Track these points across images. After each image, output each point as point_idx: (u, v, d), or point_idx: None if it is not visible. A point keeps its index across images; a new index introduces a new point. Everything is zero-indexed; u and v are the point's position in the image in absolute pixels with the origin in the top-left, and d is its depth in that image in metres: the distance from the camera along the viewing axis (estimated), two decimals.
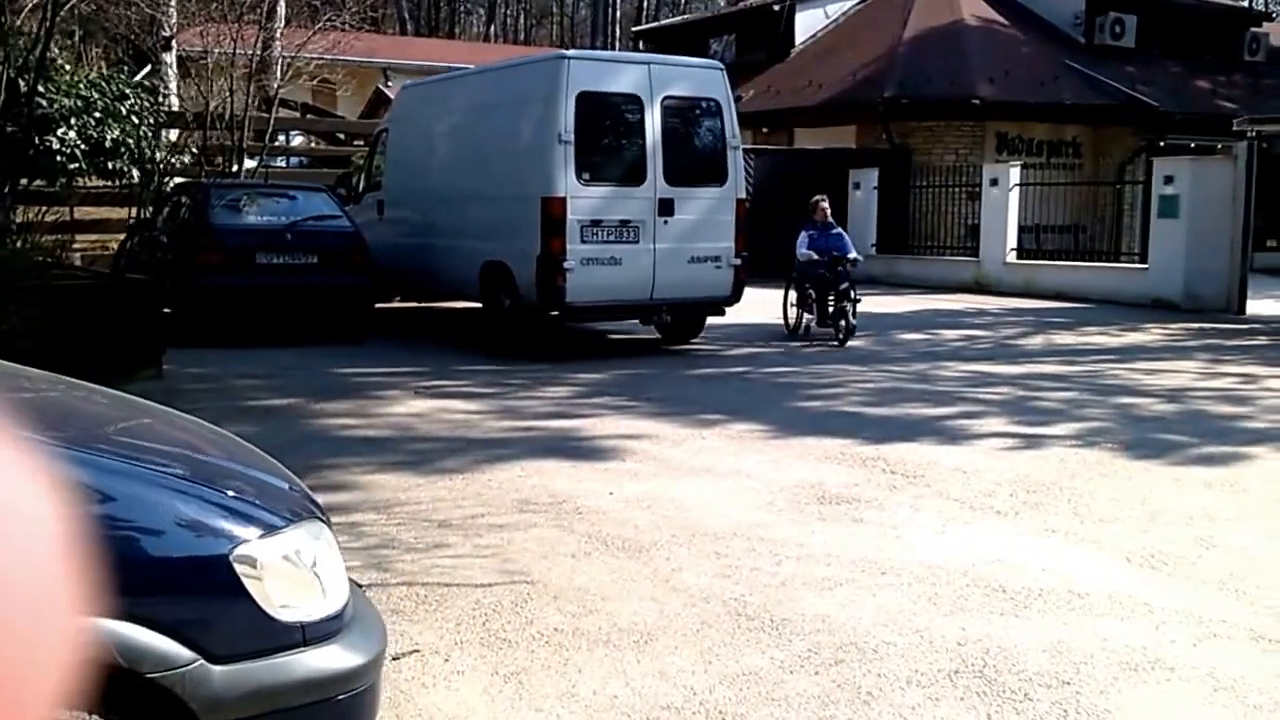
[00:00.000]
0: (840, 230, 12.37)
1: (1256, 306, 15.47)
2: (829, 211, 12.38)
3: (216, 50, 15.51)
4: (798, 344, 11.74)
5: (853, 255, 11.92)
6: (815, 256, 11.74)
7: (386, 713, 3.43)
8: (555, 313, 10.65)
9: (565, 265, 10.25)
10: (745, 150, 19.88)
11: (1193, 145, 17.91)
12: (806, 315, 12.01)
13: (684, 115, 11.19)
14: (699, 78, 11.22)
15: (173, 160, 14.30)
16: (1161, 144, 18.82)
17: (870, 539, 5.21)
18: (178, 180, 14.25)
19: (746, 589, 4.51)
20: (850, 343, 11.55)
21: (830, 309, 11.69)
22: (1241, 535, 5.35)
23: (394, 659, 3.82)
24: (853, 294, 11.49)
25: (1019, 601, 4.42)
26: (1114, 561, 4.95)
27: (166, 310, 9.98)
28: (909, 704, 3.54)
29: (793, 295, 12.29)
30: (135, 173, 12.78)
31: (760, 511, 5.66)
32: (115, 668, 1.96)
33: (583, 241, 10.38)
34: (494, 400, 8.69)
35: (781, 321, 12.53)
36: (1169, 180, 15.79)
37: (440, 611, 4.27)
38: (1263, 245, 22.27)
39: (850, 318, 11.49)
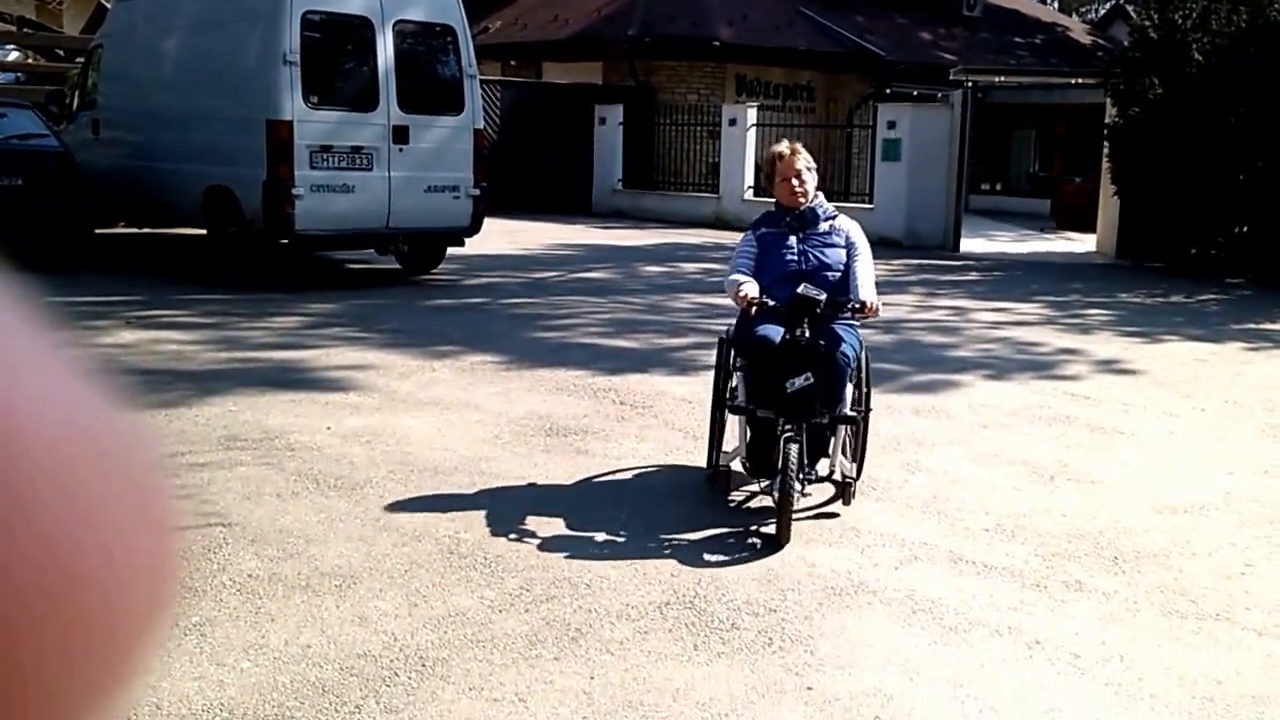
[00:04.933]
0: (835, 222, 5.10)
1: (970, 245, 16.55)
2: (814, 183, 5.10)
3: None
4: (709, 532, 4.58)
5: (864, 296, 4.83)
6: (755, 296, 4.81)
7: None
8: (284, 241, 10.20)
9: (294, 192, 9.85)
10: (493, 82, 19.67)
11: (915, 93, 18.83)
12: (728, 449, 5.05)
13: (418, 41, 10.87)
14: (433, 3, 10.87)
15: None
16: (887, 91, 19.71)
17: (593, 471, 5.19)
18: None
19: (462, 526, 4.39)
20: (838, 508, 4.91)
21: (784, 440, 4.51)
22: (945, 459, 5.62)
23: None
24: (849, 396, 4.83)
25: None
26: (824, 487, 5.09)
27: None
28: (617, 639, 3.51)
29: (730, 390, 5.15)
30: None
31: (485, 445, 5.53)
32: None
33: (312, 168, 10.00)
34: (213, 331, 8.23)
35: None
36: (892, 125, 16.59)
37: None
38: (977, 188, 23.88)
39: (842, 457, 4.88)
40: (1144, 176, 14.17)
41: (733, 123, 18.55)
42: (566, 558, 4.12)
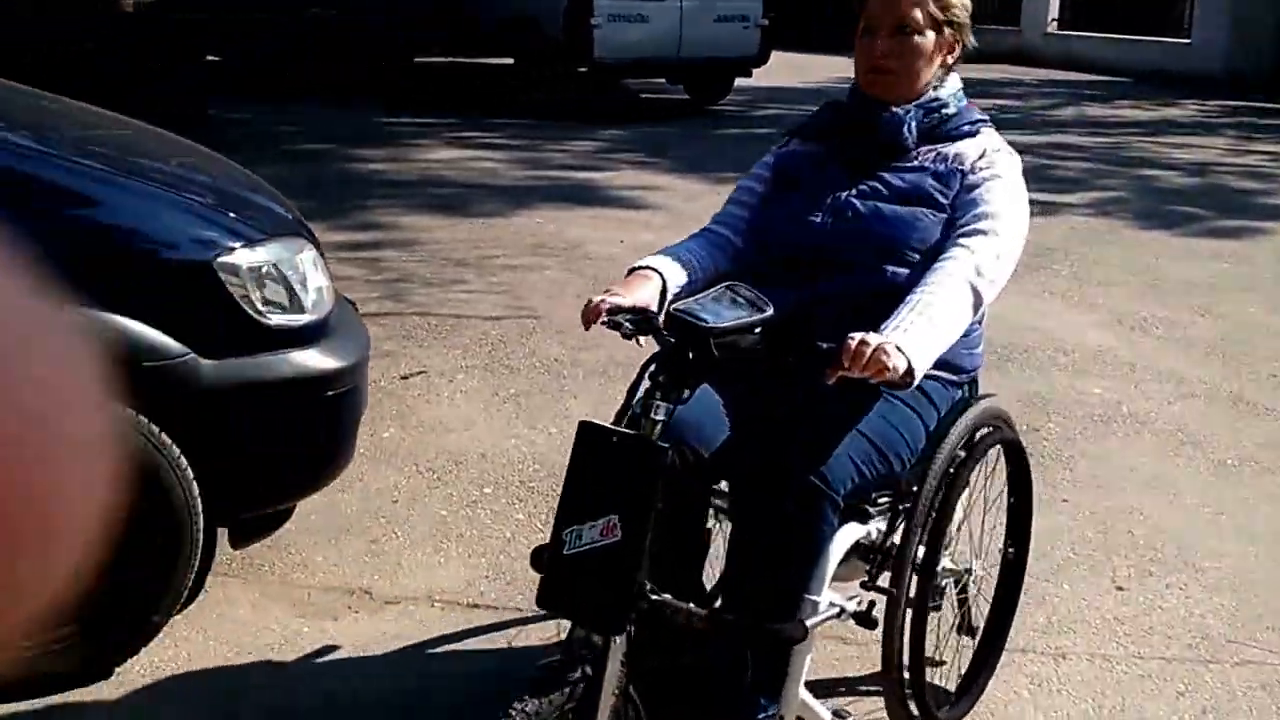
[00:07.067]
0: (951, 149, 2.17)
1: None
2: (934, 59, 2.18)
3: None
4: None
5: (881, 330, 1.84)
6: (610, 305, 1.97)
7: (392, 422, 3.70)
8: (583, 69, 10.63)
9: (593, 21, 10.21)
10: None
11: None
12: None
13: None
14: None
15: None
16: None
17: None
18: None
19: None
20: None
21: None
22: (1241, 305, 5.43)
23: (403, 378, 4.08)
24: (828, 570, 1.94)
25: (1002, 355, 4.49)
26: (1105, 324, 5.08)
27: (211, 58, 10.04)
28: None
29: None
30: None
31: None
32: (117, 357, 2.15)
33: None
34: (519, 151, 8.81)
35: None
36: None
37: (450, 339, 4.51)
38: None
39: (807, 693, 2.02)
40: None
41: None
42: None
